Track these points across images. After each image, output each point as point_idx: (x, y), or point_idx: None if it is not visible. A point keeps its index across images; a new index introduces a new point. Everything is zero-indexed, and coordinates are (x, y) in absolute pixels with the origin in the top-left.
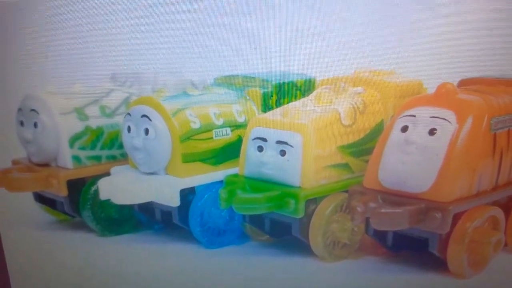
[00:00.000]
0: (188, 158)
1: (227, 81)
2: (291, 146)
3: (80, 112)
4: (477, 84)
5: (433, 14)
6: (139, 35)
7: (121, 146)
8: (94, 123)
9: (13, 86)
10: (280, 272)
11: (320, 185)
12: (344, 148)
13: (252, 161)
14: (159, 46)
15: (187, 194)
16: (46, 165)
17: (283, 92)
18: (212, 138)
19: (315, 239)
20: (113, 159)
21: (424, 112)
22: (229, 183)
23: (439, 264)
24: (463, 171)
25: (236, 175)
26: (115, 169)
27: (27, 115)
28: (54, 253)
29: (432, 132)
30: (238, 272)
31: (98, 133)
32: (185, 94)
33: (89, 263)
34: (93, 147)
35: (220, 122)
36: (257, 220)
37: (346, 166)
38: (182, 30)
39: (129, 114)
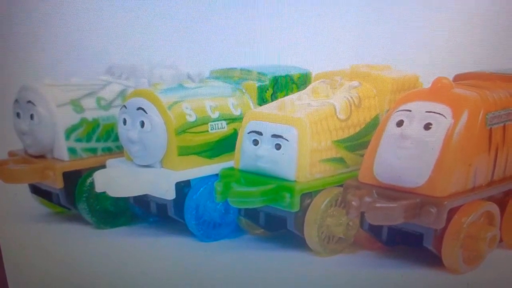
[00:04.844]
0: (184, 151)
1: (223, 74)
2: (286, 139)
3: (76, 104)
4: (473, 79)
5: (429, 8)
6: (136, 28)
7: (116, 138)
8: (90, 115)
9: (10, 78)
10: (275, 266)
11: (315, 179)
12: (339, 142)
13: (247, 155)
14: (156, 38)
15: (182, 187)
16: (42, 157)
17: (279, 86)
18: (207, 131)
19: (310, 233)
20: (109, 151)
21: (419, 107)
22: (225, 176)
23: (434, 260)
24: (459, 166)
25: (231, 169)
26: (111, 162)
27: (23, 107)
28: (50, 245)
29: (427, 126)
30: (233, 266)
31: (94, 125)
32: (181, 86)
33: (85, 256)
34: (89, 139)
35: (215, 115)
36: (252, 214)
37: (341, 160)
38: (178, 22)
39: (125, 106)
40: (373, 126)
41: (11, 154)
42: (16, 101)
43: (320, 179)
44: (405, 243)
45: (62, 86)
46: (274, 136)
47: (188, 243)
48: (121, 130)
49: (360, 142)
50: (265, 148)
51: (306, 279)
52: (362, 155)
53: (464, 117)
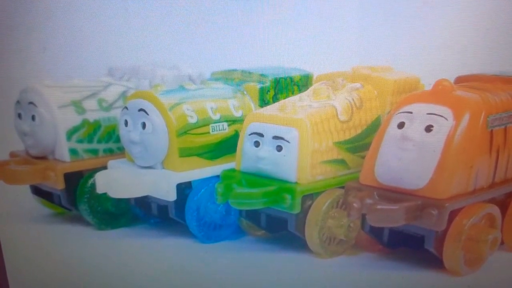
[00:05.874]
0: (185, 153)
1: (225, 76)
2: (287, 141)
3: (77, 105)
4: (474, 81)
5: (431, 11)
6: (137, 30)
7: (118, 139)
8: (91, 116)
9: (12, 79)
10: (276, 267)
11: (316, 180)
12: (340, 144)
13: (248, 156)
14: (157, 40)
15: (183, 189)
16: (43, 157)
17: (280, 87)
18: (209, 132)
19: (311, 234)
20: (110, 152)
21: (420, 109)
22: (226, 177)
23: (435, 262)
24: (460, 168)
25: (232, 170)
26: (112, 163)
27: (25, 108)
28: (50, 246)
29: (428, 128)
30: (234, 267)
31: (95, 126)
32: (183, 88)
33: (85, 256)
34: (90, 140)
35: (217, 116)
36: (253, 215)
37: (342, 162)
38: (180, 24)
39: (126, 108)
40: (374, 128)
41: (12, 155)
42: (18, 102)
43: (321, 180)
44: (406, 245)
45: (63, 88)
46: (275, 137)
47: (189, 245)
48: (122, 131)
49: (361, 143)
50: (266, 150)
51: (307, 280)
52: (363, 157)
53: (466, 119)
